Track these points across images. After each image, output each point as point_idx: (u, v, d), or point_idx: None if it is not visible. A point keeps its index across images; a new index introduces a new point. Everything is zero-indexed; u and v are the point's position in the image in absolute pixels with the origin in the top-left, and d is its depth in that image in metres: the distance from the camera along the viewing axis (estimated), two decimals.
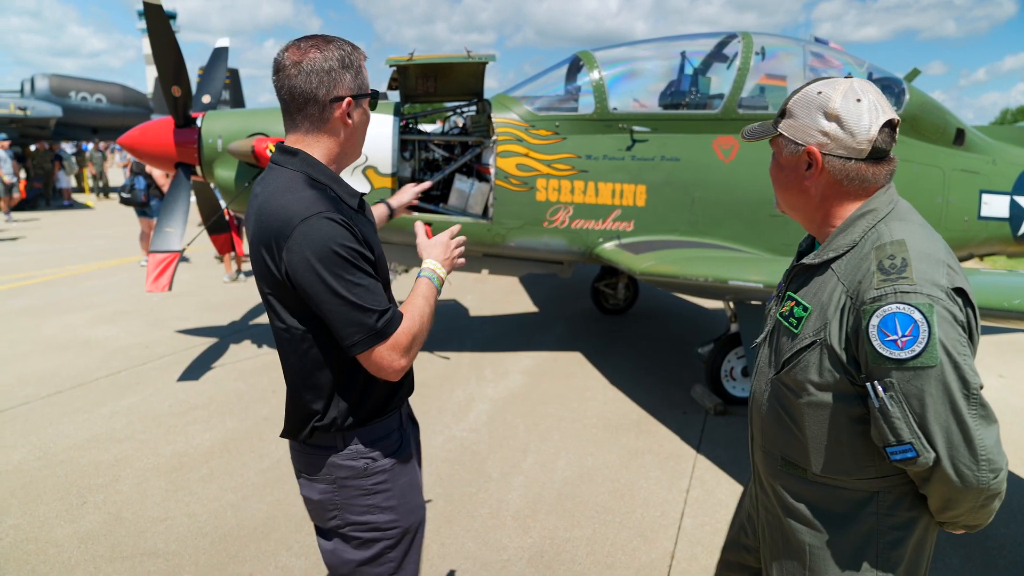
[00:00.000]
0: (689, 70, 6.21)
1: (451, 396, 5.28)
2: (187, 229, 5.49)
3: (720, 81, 6.15)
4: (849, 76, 1.52)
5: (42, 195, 19.29)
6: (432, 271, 1.83)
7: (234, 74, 20.14)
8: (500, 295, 8.80)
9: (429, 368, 5.91)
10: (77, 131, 22.17)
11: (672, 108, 5.93)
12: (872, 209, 1.50)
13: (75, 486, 3.78)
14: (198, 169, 5.52)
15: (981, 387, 1.35)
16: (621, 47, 6.38)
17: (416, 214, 5.57)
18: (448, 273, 1.90)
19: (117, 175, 25.54)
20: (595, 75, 5.67)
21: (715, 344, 5.43)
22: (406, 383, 1.91)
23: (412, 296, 1.75)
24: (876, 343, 1.35)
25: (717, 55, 6.25)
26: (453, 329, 7.23)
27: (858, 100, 1.46)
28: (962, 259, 7.10)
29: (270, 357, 6.05)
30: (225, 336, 6.69)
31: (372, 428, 1.78)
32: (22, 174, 14.24)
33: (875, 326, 1.35)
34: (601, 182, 5.67)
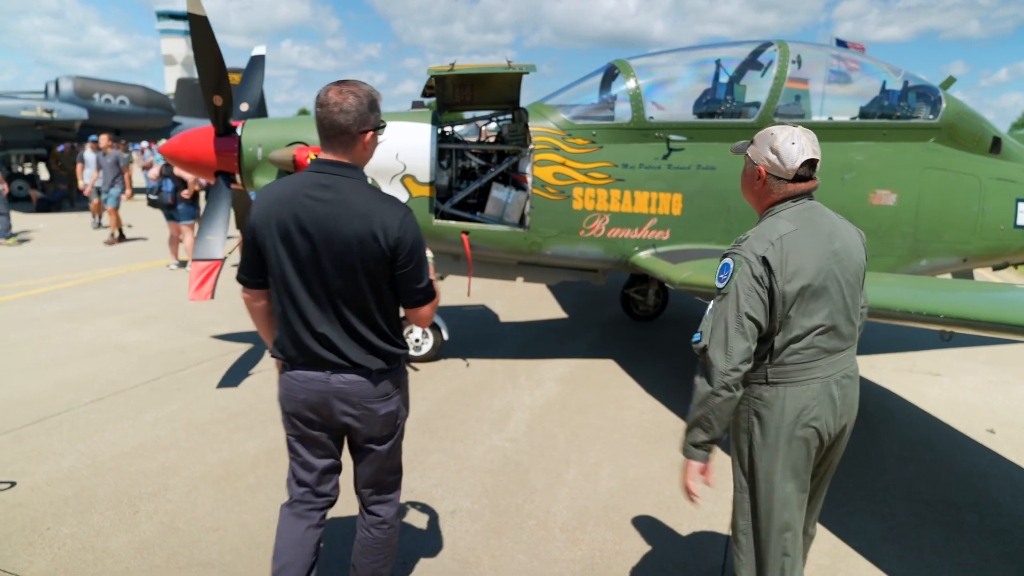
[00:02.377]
0: (724, 78, 6.19)
1: (489, 405, 5.29)
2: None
3: (755, 89, 6.12)
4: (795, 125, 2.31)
5: (67, 197, 19.49)
6: (430, 257, 2.49)
7: None
8: (529, 301, 8.81)
9: (466, 375, 5.93)
10: (101, 133, 22.40)
11: (708, 116, 5.91)
12: (771, 211, 2.32)
13: (126, 495, 3.82)
14: (237, 177, 5.57)
15: (749, 315, 2.15)
16: (655, 55, 6.38)
17: (454, 223, 5.59)
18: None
19: (139, 177, 25.77)
20: (631, 83, 5.67)
21: None
22: None
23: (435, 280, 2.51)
24: (715, 277, 2.26)
25: (752, 63, 6.23)
26: (485, 336, 7.25)
27: (792, 143, 2.23)
28: (997, 267, 7.04)
29: None
30: (258, 342, 6.74)
31: None
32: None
33: (718, 267, 2.26)
34: (637, 191, 5.67)
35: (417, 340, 6.12)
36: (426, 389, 5.55)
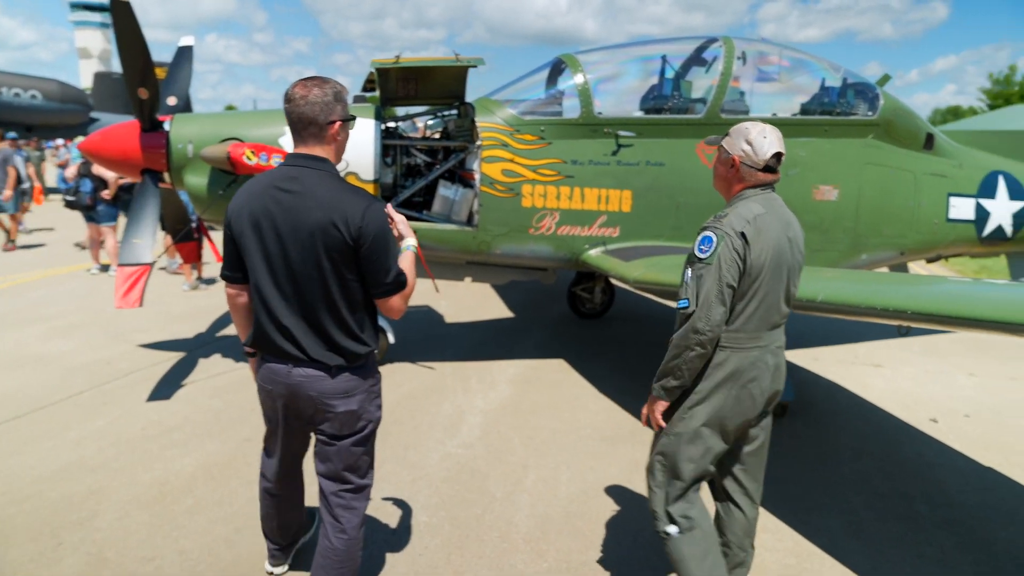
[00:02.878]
0: (671, 74, 6.17)
1: (440, 409, 5.11)
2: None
3: (702, 85, 6.13)
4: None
5: None
6: (413, 246, 2.61)
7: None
8: (475, 300, 8.65)
9: (415, 380, 5.73)
10: (10, 129, 21.05)
11: (656, 112, 5.87)
12: (741, 195, 2.59)
13: (48, 525, 3.49)
14: (166, 176, 5.22)
15: (729, 284, 2.43)
16: (602, 50, 6.30)
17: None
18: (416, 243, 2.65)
19: (54, 175, 24.36)
20: (579, 78, 5.58)
21: None
22: None
23: (405, 265, 2.48)
24: (695, 248, 2.49)
25: (697, 59, 6.23)
26: (432, 337, 7.05)
27: (764, 137, 2.53)
28: (931, 260, 7.27)
29: (244, 371, 5.77)
30: (193, 350, 6.37)
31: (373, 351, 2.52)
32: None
33: (698, 240, 2.49)
34: (587, 188, 5.58)
35: None
36: None
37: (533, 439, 4.66)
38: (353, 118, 2.43)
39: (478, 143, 5.41)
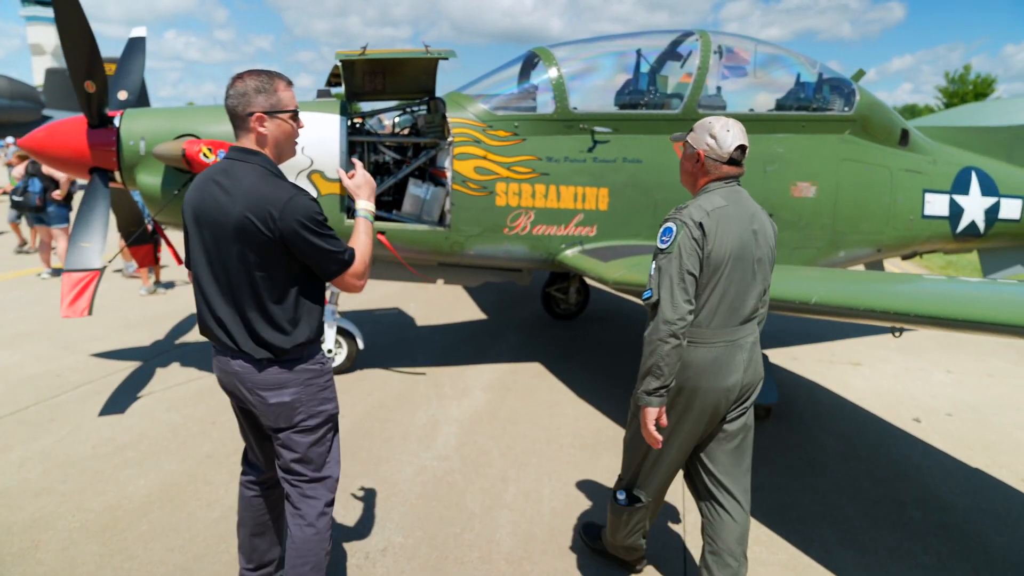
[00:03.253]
0: (646, 68, 6.01)
1: (413, 419, 4.88)
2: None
3: (678, 80, 5.99)
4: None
5: None
6: (366, 210, 2.55)
7: None
8: (446, 303, 8.41)
9: (385, 387, 5.48)
10: None
11: (632, 108, 5.71)
12: (705, 188, 2.61)
13: None
14: (117, 175, 4.89)
15: (690, 272, 2.44)
16: (577, 44, 6.10)
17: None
18: (371, 202, 2.59)
19: (5, 175, 23.45)
20: (553, 72, 5.38)
21: None
22: (323, 325, 2.57)
23: (356, 234, 2.49)
24: (657, 240, 2.52)
25: (673, 54, 6.08)
26: (402, 341, 6.80)
27: (727, 131, 2.57)
28: (906, 256, 7.23)
29: (204, 382, 5.47)
30: (150, 359, 6.03)
31: (317, 344, 2.50)
32: None
33: (660, 231, 2.53)
34: (563, 185, 5.39)
35: (329, 351, 5.62)
36: (343, 405, 5.04)
37: (512, 449, 4.45)
38: (288, 111, 2.35)
39: (449, 139, 5.18)
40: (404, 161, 5.42)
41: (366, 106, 5.79)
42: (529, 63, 5.77)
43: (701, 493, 2.77)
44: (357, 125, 5.43)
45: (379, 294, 8.56)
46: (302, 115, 2.44)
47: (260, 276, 2.29)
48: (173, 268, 9.34)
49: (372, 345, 6.45)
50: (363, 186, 2.58)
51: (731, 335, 2.54)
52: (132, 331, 6.86)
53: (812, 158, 6.00)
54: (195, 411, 4.88)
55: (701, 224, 2.46)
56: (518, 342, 6.88)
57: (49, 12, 74.30)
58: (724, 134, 2.56)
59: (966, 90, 44.35)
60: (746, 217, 2.55)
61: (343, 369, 5.73)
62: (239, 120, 2.33)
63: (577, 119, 5.36)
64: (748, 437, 2.72)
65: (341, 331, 5.68)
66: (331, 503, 2.57)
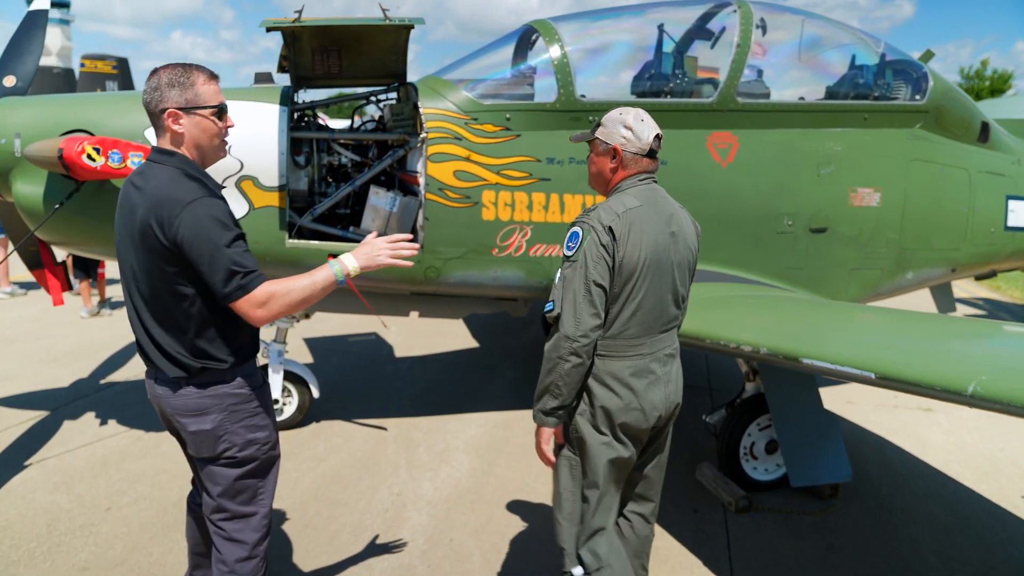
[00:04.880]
0: (670, 47, 4.87)
1: (372, 501, 3.74)
2: None
3: (710, 62, 4.85)
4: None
5: None
6: (339, 261, 2.22)
7: (123, 64, 17.56)
8: (432, 326, 7.23)
9: (343, 448, 4.34)
10: None
11: (654, 96, 4.57)
12: (618, 187, 2.43)
13: None
14: None
15: (597, 283, 2.24)
16: (585, 17, 4.94)
17: (317, 243, 4.01)
18: (362, 266, 2.22)
19: None
20: (556, 51, 4.23)
21: (728, 411, 4.11)
22: (257, 340, 2.38)
23: (309, 274, 2.17)
24: (564, 247, 2.34)
25: (703, 30, 4.94)
26: (374, 378, 5.67)
27: (642, 120, 2.42)
28: (981, 277, 6.06)
29: (115, 442, 4.35)
30: (61, 406, 4.91)
31: (248, 366, 2.27)
32: None
33: (566, 237, 2.35)
34: (568, 194, 4.24)
35: (276, 401, 4.49)
36: (285, 476, 3.89)
37: (499, 551, 3.31)
38: (212, 107, 2.14)
39: (422, 136, 4.04)
40: (366, 163, 4.28)
41: (322, 94, 4.66)
42: (526, 40, 4.62)
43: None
44: (305, 118, 4.29)
45: (354, 316, 7.41)
46: (230, 103, 2.23)
47: (166, 287, 2.10)
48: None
49: (337, 384, 5.33)
50: (364, 244, 2.27)
51: (647, 347, 2.36)
52: (53, 367, 5.74)
53: (875, 158, 4.84)
54: (89, 490, 3.76)
55: (611, 228, 2.26)
56: (515, 380, 5.74)
57: (55, 13, 73.91)
58: (639, 124, 2.39)
59: (982, 86, 42.99)
60: (663, 218, 2.37)
61: (293, 423, 4.60)
62: (154, 118, 2.14)
63: (585, 110, 4.21)
64: (664, 452, 2.58)
65: (290, 376, 4.55)
66: (260, 542, 2.31)
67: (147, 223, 2.03)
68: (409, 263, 2.31)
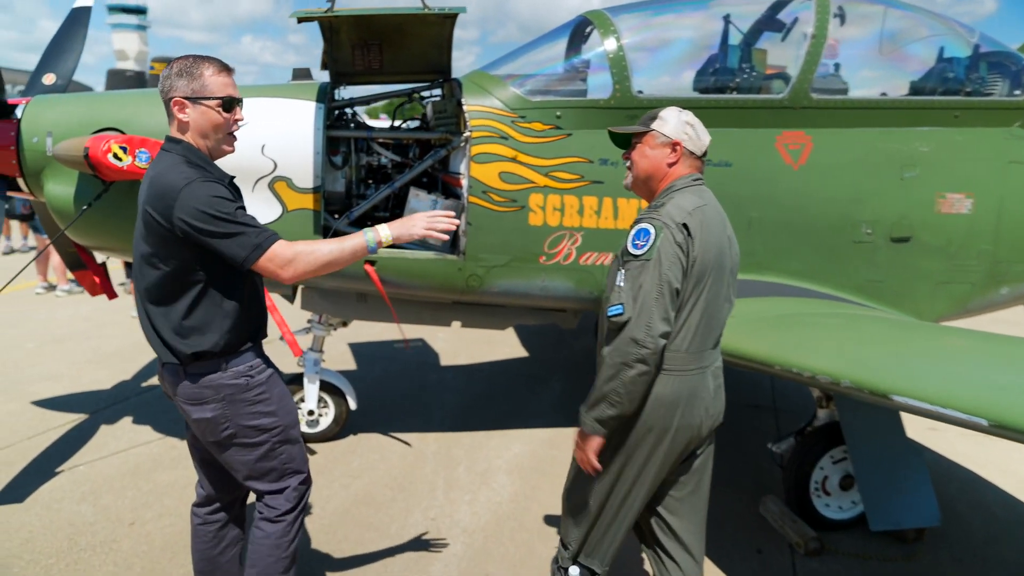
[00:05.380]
0: (737, 39, 4.49)
1: (405, 525, 3.49)
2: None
3: (783, 55, 4.46)
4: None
5: None
6: (373, 229, 2.22)
7: None
8: (478, 334, 6.92)
9: (378, 465, 4.12)
10: None
11: (719, 92, 4.21)
12: (673, 185, 2.25)
13: None
14: (21, 182, 3.69)
15: (671, 284, 2.06)
16: (644, 8, 4.59)
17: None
18: (395, 235, 2.21)
19: None
20: (612, 45, 3.92)
21: (797, 440, 3.71)
22: (263, 327, 2.37)
23: (337, 239, 2.20)
24: (628, 244, 2.13)
25: (775, 21, 4.54)
26: (417, 388, 5.44)
27: (698, 120, 2.33)
28: None
29: (146, 451, 4.24)
30: (101, 410, 4.84)
31: (245, 355, 2.24)
32: None
33: (631, 234, 2.13)
34: (622, 198, 3.92)
35: (312, 412, 4.30)
36: (315, 493, 3.68)
37: None
38: (219, 98, 2.13)
39: (465, 134, 3.79)
40: (406, 164, 4.04)
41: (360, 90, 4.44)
42: (579, 33, 4.32)
43: (647, 538, 2.45)
44: (343, 116, 4.09)
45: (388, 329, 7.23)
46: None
47: (158, 272, 2.12)
48: None
49: (379, 393, 5.14)
50: (408, 217, 2.29)
51: (706, 360, 2.22)
52: (97, 368, 5.71)
53: (967, 160, 4.35)
54: (116, 501, 3.62)
55: (685, 225, 2.12)
56: (564, 393, 5.44)
57: (132, 19, 77.37)
58: (699, 124, 2.32)
59: None
60: (721, 220, 2.25)
61: (329, 435, 4.40)
62: (166, 107, 2.17)
63: (642, 107, 3.88)
64: (706, 476, 2.38)
65: (326, 387, 4.35)
66: (291, 511, 2.35)
67: (146, 208, 2.08)
68: (445, 237, 2.25)
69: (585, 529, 2.36)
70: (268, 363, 2.33)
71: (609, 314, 2.10)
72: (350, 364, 5.96)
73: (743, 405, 5.15)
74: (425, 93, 4.22)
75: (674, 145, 2.24)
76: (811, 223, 4.10)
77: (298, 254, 2.07)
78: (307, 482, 2.41)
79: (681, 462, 2.30)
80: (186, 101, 2.11)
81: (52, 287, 8.26)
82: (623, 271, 2.12)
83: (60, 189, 3.59)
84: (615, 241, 3.94)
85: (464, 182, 3.82)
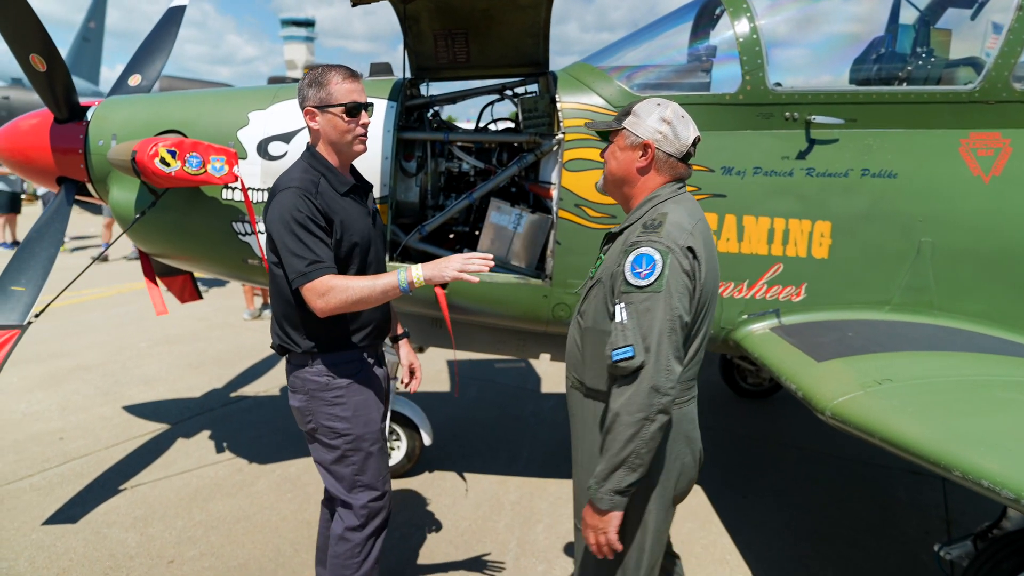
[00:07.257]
0: (907, 20, 3.61)
1: None
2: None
3: (970, 39, 3.54)
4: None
5: None
6: (406, 268, 2.14)
7: None
8: None
9: (448, 513, 3.61)
10: None
11: (884, 84, 3.36)
12: (657, 195, 1.99)
13: None
14: (90, 187, 3.52)
15: (682, 318, 1.80)
16: None
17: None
18: (427, 277, 2.12)
19: None
20: (743, 28, 3.18)
21: (978, 545, 2.80)
22: (372, 331, 2.38)
23: (377, 276, 2.17)
24: (628, 273, 1.84)
25: None
26: (510, 419, 4.89)
27: (683, 116, 1.98)
28: None
29: (218, 470, 4.00)
30: (184, 420, 4.70)
31: (333, 355, 2.30)
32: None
33: (630, 261, 1.85)
34: (748, 215, 3.19)
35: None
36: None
37: None
38: (342, 105, 2.19)
39: (558, 137, 3.20)
40: (492, 171, 3.51)
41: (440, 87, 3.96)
42: (705, 15, 3.60)
43: None
44: (429, 115, 3.62)
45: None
46: None
47: (274, 262, 2.23)
48: None
49: (465, 422, 4.66)
50: (443, 259, 2.16)
51: (695, 389, 2.03)
52: (194, 373, 5.64)
53: None
54: (163, 532, 3.36)
55: (691, 249, 1.85)
56: None
57: (301, 31, 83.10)
58: (680, 121, 1.96)
59: None
60: (710, 233, 2.01)
61: (400, 471, 3.96)
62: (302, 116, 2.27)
63: (779, 103, 3.14)
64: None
65: (398, 417, 3.90)
66: (360, 528, 2.35)
67: (265, 210, 2.24)
68: (475, 279, 2.10)
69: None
70: (364, 370, 2.34)
71: (615, 358, 1.79)
72: (444, 384, 5.53)
73: (900, 469, 4.20)
74: (519, 89, 3.67)
75: (644, 147, 1.96)
76: (1007, 252, 3.17)
77: (332, 288, 2.08)
78: (380, 502, 2.38)
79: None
80: (315, 110, 2.20)
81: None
82: (623, 304, 1.83)
83: (123, 196, 3.38)
84: (737, 268, 3.21)
85: (554, 193, 3.23)
